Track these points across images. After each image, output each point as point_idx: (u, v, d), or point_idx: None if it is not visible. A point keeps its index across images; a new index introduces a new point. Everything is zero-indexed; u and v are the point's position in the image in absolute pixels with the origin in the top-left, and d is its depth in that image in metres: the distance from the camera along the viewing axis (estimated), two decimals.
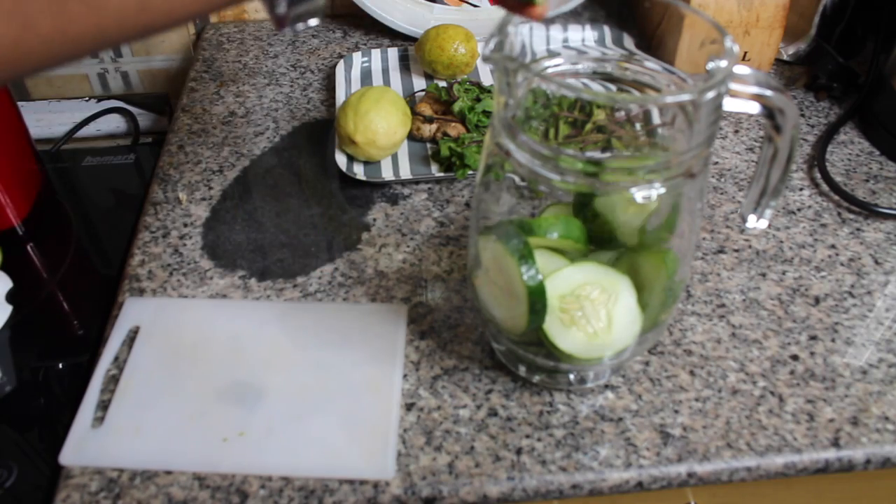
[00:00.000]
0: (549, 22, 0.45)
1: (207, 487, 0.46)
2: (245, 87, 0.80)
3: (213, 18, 0.92)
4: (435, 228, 0.63)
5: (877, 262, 0.60)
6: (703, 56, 0.40)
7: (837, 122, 0.73)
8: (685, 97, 0.36)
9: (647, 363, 0.53)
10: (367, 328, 0.54)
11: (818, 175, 0.68)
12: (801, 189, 0.67)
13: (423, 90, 0.77)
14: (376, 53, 0.82)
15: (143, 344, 0.54)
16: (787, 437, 0.48)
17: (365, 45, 0.87)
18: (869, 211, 0.64)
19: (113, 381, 0.52)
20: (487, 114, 0.70)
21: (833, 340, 0.54)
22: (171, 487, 0.46)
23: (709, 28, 0.39)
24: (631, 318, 0.44)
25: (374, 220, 0.64)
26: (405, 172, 0.68)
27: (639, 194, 0.39)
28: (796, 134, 0.40)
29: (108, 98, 0.91)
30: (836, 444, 0.48)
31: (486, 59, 0.38)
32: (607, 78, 0.45)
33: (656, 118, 0.44)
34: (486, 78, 0.79)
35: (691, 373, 0.52)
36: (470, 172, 0.66)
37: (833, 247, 0.62)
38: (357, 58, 0.81)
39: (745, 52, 0.76)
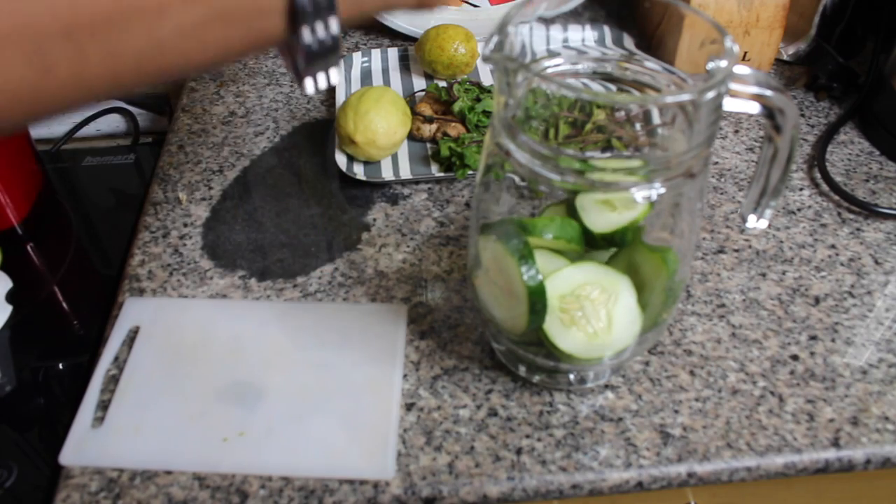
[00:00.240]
0: (549, 22, 0.45)
1: (207, 487, 0.46)
2: (245, 86, 0.80)
3: None
4: (435, 228, 0.63)
5: (877, 262, 0.60)
6: (703, 56, 0.40)
7: (837, 122, 0.73)
8: (685, 97, 0.36)
9: (647, 363, 0.53)
10: (367, 328, 0.54)
11: (818, 175, 0.68)
12: (801, 189, 0.67)
13: (423, 90, 0.77)
14: (376, 53, 0.82)
15: (143, 344, 0.54)
16: (787, 437, 0.48)
17: (365, 45, 0.87)
18: (869, 211, 0.64)
19: (113, 381, 0.52)
20: (487, 114, 0.70)
21: (833, 340, 0.54)
22: (171, 487, 0.46)
23: (709, 28, 0.39)
24: (631, 318, 0.44)
25: (374, 220, 0.64)
26: (405, 172, 0.68)
27: (639, 194, 0.39)
28: (796, 134, 0.40)
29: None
30: (836, 444, 0.48)
31: (486, 59, 0.38)
32: (607, 78, 0.45)
33: (656, 118, 0.44)
34: (486, 78, 0.79)
35: (691, 373, 0.52)
36: (470, 172, 0.66)
37: (833, 247, 0.62)
38: (357, 58, 0.81)
39: (745, 52, 0.76)
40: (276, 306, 0.57)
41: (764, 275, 0.59)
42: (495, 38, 0.38)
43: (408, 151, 0.70)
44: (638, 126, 0.45)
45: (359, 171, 0.67)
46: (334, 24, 0.29)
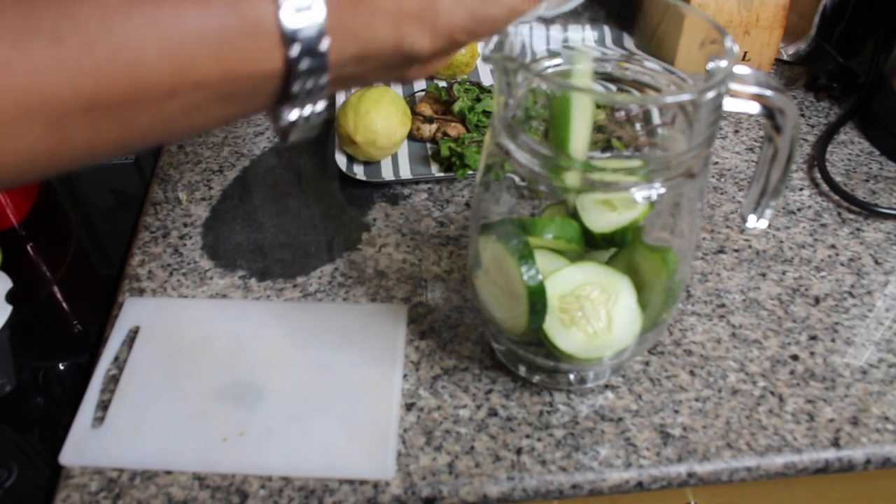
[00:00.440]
0: (549, 22, 0.45)
1: (207, 487, 0.46)
2: None
3: None
4: (435, 228, 0.63)
5: (877, 262, 0.60)
6: (703, 56, 0.40)
7: (837, 122, 0.73)
8: (685, 97, 0.36)
9: (647, 363, 0.53)
10: (367, 328, 0.54)
11: (818, 175, 0.68)
12: (801, 189, 0.67)
13: (423, 90, 0.77)
14: None
15: (143, 344, 0.54)
16: (787, 437, 0.48)
17: None
18: (869, 211, 0.64)
19: (113, 381, 0.52)
20: (487, 114, 0.70)
21: (833, 340, 0.54)
22: (171, 487, 0.46)
23: (709, 28, 0.39)
24: (631, 318, 0.44)
25: (374, 220, 0.64)
26: (405, 172, 0.68)
27: (639, 194, 0.39)
28: (796, 134, 0.40)
29: None
30: (836, 444, 0.48)
31: (486, 59, 0.38)
32: (607, 78, 0.45)
33: (656, 118, 0.44)
34: (486, 78, 0.79)
35: (691, 373, 0.52)
36: (470, 172, 0.66)
37: (833, 247, 0.62)
38: None
39: (745, 52, 0.76)
40: (276, 306, 0.57)
41: (764, 275, 0.59)
42: (495, 38, 0.38)
43: (408, 151, 0.70)
44: (638, 126, 0.45)
45: (359, 171, 0.67)
46: (321, 105, 0.31)
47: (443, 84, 0.77)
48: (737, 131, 0.74)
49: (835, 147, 0.72)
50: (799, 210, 0.65)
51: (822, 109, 0.77)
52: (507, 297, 0.44)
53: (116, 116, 0.28)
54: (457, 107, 0.70)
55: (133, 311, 0.56)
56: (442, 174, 0.67)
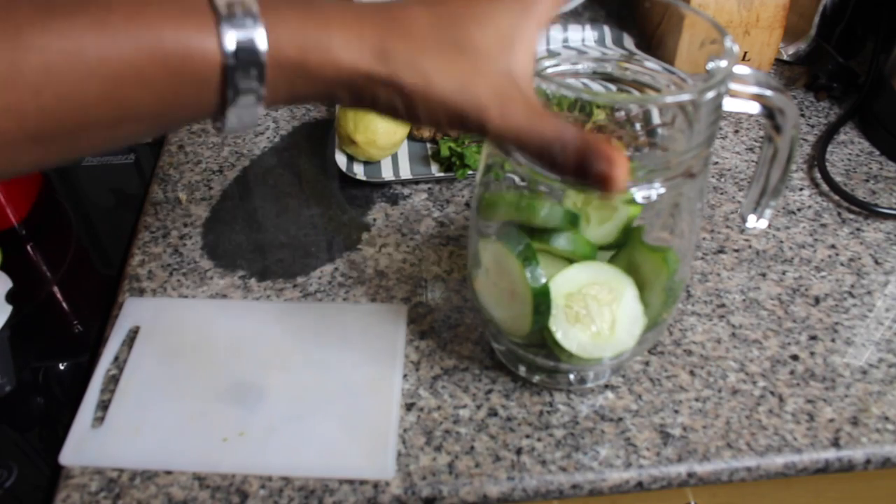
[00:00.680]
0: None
1: (207, 487, 0.46)
2: None
3: None
4: (435, 228, 0.63)
5: (877, 262, 0.60)
6: (703, 56, 0.40)
7: (837, 122, 0.73)
8: (685, 97, 0.37)
9: (647, 363, 0.53)
10: (367, 328, 0.54)
11: (818, 175, 0.68)
12: (801, 189, 0.67)
13: None
14: None
15: (143, 344, 0.54)
16: (787, 437, 0.48)
17: None
18: (869, 211, 0.64)
19: (113, 381, 0.52)
20: None
21: (833, 340, 0.54)
22: (171, 487, 0.46)
23: (709, 28, 0.39)
24: (634, 319, 0.44)
25: (374, 220, 0.64)
26: (405, 172, 0.68)
27: (639, 194, 0.39)
28: (796, 134, 0.40)
29: None
30: (836, 444, 0.48)
31: None
32: (607, 78, 0.45)
33: (656, 118, 0.44)
34: None
35: (691, 373, 0.52)
36: (470, 172, 0.66)
37: (833, 247, 0.62)
38: None
39: (745, 52, 0.76)
40: (276, 306, 0.57)
41: (764, 275, 0.59)
42: None
43: (408, 151, 0.70)
44: (638, 126, 0.45)
45: (359, 171, 0.67)
46: (260, 110, 0.31)
47: None
48: (737, 131, 0.74)
49: (835, 147, 0.72)
50: (799, 210, 0.65)
51: (822, 109, 0.77)
52: (509, 298, 0.44)
53: (62, 144, 0.29)
54: None
55: (133, 311, 0.56)
56: (442, 174, 0.67)
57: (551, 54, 0.46)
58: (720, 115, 0.38)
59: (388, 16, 0.31)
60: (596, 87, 0.46)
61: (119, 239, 0.66)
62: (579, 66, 0.46)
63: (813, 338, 0.55)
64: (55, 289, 0.63)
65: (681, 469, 0.47)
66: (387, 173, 0.68)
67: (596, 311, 0.43)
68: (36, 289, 0.63)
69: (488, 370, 0.52)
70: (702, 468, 0.47)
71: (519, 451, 0.47)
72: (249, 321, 0.55)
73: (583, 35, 0.46)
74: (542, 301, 0.42)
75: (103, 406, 0.50)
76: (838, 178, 0.68)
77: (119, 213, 0.71)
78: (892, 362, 0.53)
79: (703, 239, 0.62)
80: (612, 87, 0.46)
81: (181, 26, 0.28)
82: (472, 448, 0.48)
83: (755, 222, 0.45)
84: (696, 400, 0.50)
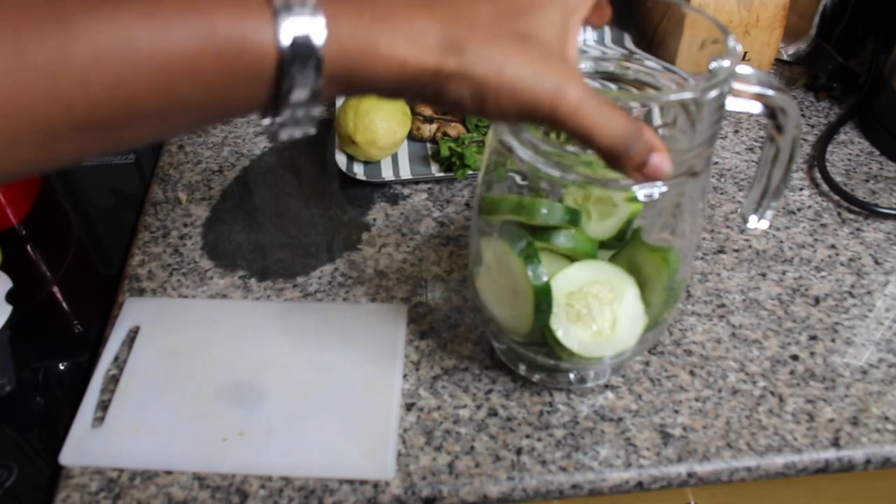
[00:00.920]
0: None
1: (207, 487, 0.46)
2: None
3: None
4: (435, 228, 0.63)
5: (877, 262, 0.60)
6: (704, 56, 0.40)
7: (837, 122, 0.73)
8: (689, 95, 0.37)
9: (647, 363, 0.53)
10: (367, 328, 0.54)
11: (818, 175, 0.68)
12: (801, 189, 0.67)
13: None
14: None
15: (143, 344, 0.53)
16: (787, 437, 0.48)
17: None
18: (869, 211, 0.64)
19: (113, 381, 0.51)
20: None
21: (833, 340, 0.54)
22: (171, 487, 0.46)
23: (710, 27, 0.39)
24: (634, 318, 0.44)
25: (374, 220, 0.64)
26: (405, 172, 0.68)
27: (641, 192, 0.39)
28: (798, 134, 0.40)
29: None
30: (836, 444, 0.48)
31: None
32: (608, 77, 0.45)
33: (657, 119, 0.44)
34: None
35: (691, 373, 0.52)
36: (470, 172, 0.66)
37: (833, 247, 0.62)
38: None
39: (745, 52, 0.76)
40: (276, 306, 0.57)
41: (764, 275, 0.59)
42: None
43: (408, 151, 0.70)
44: None
45: (359, 171, 0.67)
46: (316, 109, 0.30)
47: None
48: (737, 131, 0.74)
49: (835, 147, 0.72)
50: (799, 210, 0.65)
51: (822, 109, 0.77)
52: (510, 297, 0.44)
53: (107, 136, 0.28)
54: None
55: (133, 311, 0.56)
56: (442, 174, 0.67)
57: None
58: (722, 115, 0.38)
59: (450, 9, 0.31)
60: (595, 85, 0.46)
61: (119, 239, 0.66)
62: (581, 66, 0.46)
63: (813, 338, 0.55)
64: (55, 289, 0.63)
65: (681, 469, 0.47)
66: (387, 173, 0.67)
67: (597, 310, 0.43)
68: (36, 289, 0.63)
69: (488, 370, 0.52)
70: (702, 468, 0.47)
71: (519, 451, 0.47)
72: (249, 321, 0.55)
73: (583, 35, 0.46)
74: (543, 299, 0.42)
75: (103, 406, 0.50)
76: (838, 178, 0.68)
77: (119, 213, 0.71)
78: (892, 362, 0.53)
79: (703, 239, 0.62)
80: (613, 86, 0.46)
81: (236, 17, 0.27)
82: (472, 448, 0.48)
83: (756, 223, 0.45)
84: (696, 400, 0.50)
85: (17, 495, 0.48)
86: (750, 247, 0.61)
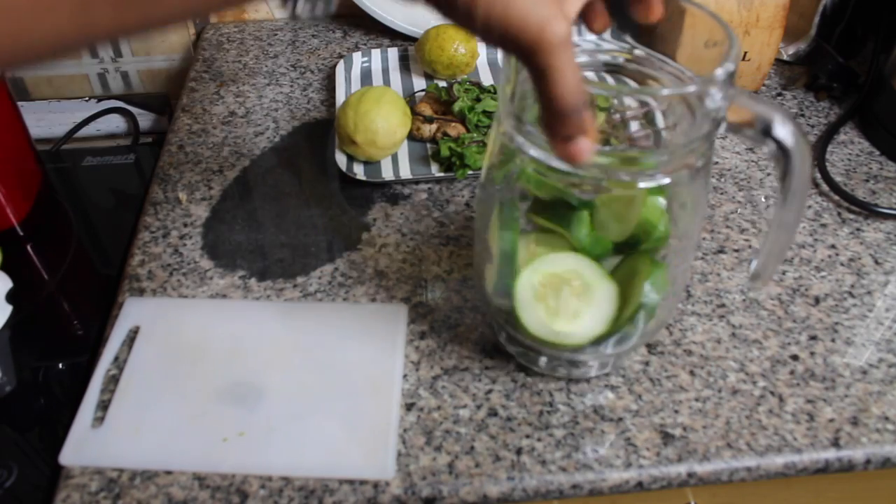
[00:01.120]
0: None
1: (207, 487, 0.46)
2: (245, 87, 0.80)
3: (213, 19, 0.92)
4: (435, 228, 0.63)
5: (877, 262, 0.60)
6: (704, 54, 0.40)
7: (837, 122, 0.73)
8: (691, 88, 0.37)
9: (647, 363, 0.53)
10: (367, 328, 0.54)
11: (818, 175, 0.68)
12: None
13: (423, 90, 0.77)
14: (376, 53, 0.82)
15: (143, 344, 0.54)
16: (787, 437, 0.48)
17: (365, 45, 0.87)
18: (869, 211, 0.64)
19: (113, 381, 0.52)
20: (487, 114, 0.70)
21: (833, 340, 0.54)
22: (171, 487, 0.46)
23: (710, 23, 0.39)
24: (597, 320, 0.44)
25: (374, 220, 0.64)
26: (405, 172, 0.68)
27: (642, 184, 0.39)
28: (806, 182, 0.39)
29: (108, 98, 0.91)
30: (836, 444, 0.48)
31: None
32: (610, 69, 0.46)
33: (659, 120, 0.44)
34: (486, 78, 0.79)
35: (691, 373, 0.52)
36: (470, 172, 0.66)
37: (833, 247, 0.62)
38: (357, 58, 0.81)
39: (746, 52, 0.76)
40: (276, 306, 0.57)
41: None
42: None
43: (408, 151, 0.70)
44: (638, 126, 0.45)
45: (359, 171, 0.67)
46: None
47: (443, 84, 0.77)
48: None
49: (835, 147, 0.72)
50: None
51: (822, 109, 0.77)
52: (490, 262, 0.46)
53: (140, 8, 0.29)
54: (457, 107, 0.70)
55: (133, 311, 0.56)
56: (442, 174, 0.67)
57: None
58: (722, 116, 0.38)
59: None
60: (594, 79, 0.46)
61: (119, 239, 0.66)
62: (581, 61, 0.46)
63: (813, 338, 0.55)
64: (55, 289, 0.63)
65: (681, 469, 0.47)
66: (387, 173, 0.68)
67: (565, 298, 0.44)
68: (36, 289, 0.63)
69: (488, 370, 0.52)
70: (702, 468, 0.47)
71: (519, 451, 0.47)
72: (249, 321, 0.55)
73: (584, 35, 0.46)
74: (504, 262, 0.44)
75: (103, 406, 0.50)
76: (838, 178, 0.68)
77: (119, 213, 0.71)
78: (892, 362, 0.53)
79: (703, 239, 0.62)
80: (611, 80, 0.46)
81: None
82: (472, 448, 0.48)
83: (763, 286, 0.45)
84: (696, 400, 0.50)
85: (17, 495, 0.48)
86: (750, 247, 0.61)
